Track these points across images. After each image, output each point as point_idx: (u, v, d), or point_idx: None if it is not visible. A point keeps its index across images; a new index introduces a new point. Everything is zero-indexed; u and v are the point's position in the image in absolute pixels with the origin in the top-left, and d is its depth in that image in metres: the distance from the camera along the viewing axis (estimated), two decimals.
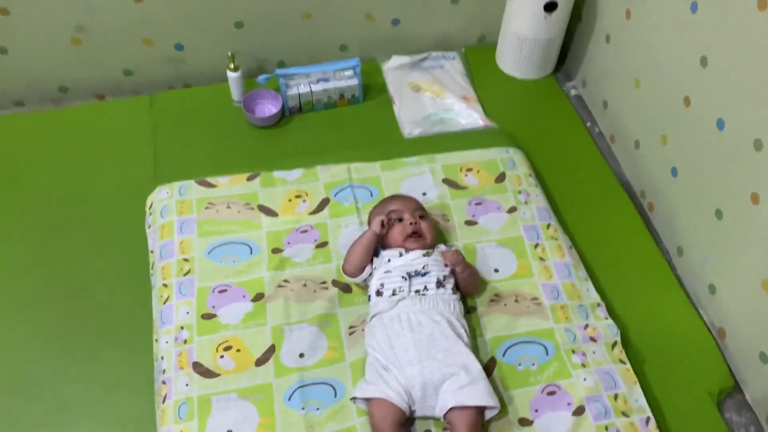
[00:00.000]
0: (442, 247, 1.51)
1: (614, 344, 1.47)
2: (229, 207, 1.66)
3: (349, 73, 2.01)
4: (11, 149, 1.92)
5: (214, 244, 1.59)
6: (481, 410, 1.28)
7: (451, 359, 1.30)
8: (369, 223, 1.59)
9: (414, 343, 1.31)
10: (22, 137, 1.95)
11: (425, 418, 1.33)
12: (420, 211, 1.53)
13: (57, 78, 2.05)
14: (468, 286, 1.49)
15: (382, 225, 1.47)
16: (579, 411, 1.34)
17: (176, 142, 1.94)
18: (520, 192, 1.72)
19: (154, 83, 2.12)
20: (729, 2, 1.44)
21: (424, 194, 1.70)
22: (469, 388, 1.27)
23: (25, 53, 1.97)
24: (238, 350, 1.42)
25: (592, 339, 1.47)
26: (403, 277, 1.41)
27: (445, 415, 1.28)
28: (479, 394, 1.26)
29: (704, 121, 1.58)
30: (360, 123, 2.02)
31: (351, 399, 1.33)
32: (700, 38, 1.56)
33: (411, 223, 1.48)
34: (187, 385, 1.37)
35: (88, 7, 1.89)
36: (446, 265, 1.44)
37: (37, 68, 2.01)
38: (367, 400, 1.30)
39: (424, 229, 1.50)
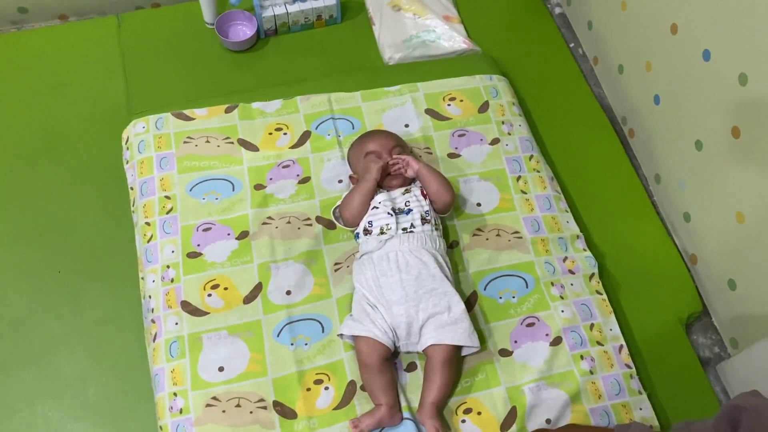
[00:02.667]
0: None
1: (591, 276, 1.52)
2: (208, 141, 1.62)
3: None
4: None
5: (195, 180, 1.57)
6: (458, 347, 1.34)
7: (437, 300, 1.34)
8: (349, 162, 1.58)
9: (401, 284, 1.34)
10: None
11: (409, 353, 1.38)
12: (398, 149, 1.52)
13: None
14: (437, 189, 1.45)
15: (382, 171, 1.46)
16: (556, 341, 1.41)
17: (147, 67, 1.87)
18: (503, 122, 1.70)
19: (120, 2, 2.00)
20: None
21: (407, 126, 1.68)
22: (450, 328, 1.32)
23: None
24: (226, 288, 1.44)
25: (571, 271, 1.51)
26: (389, 213, 1.42)
27: (424, 350, 1.33)
28: (459, 334, 1.31)
29: (690, 51, 1.56)
30: (339, 46, 1.96)
31: (338, 335, 1.37)
32: None
33: (389, 164, 1.48)
34: (176, 323, 1.40)
35: None
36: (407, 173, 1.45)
37: None
38: (354, 337, 1.34)
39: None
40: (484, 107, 1.73)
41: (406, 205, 1.43)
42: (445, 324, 1.32)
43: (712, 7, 1.46)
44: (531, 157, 1.66)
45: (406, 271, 1.35)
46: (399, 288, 1.34)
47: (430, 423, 1.27)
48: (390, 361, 1.35)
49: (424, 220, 1.42)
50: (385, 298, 1.34)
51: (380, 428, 1.29)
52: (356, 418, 1.28)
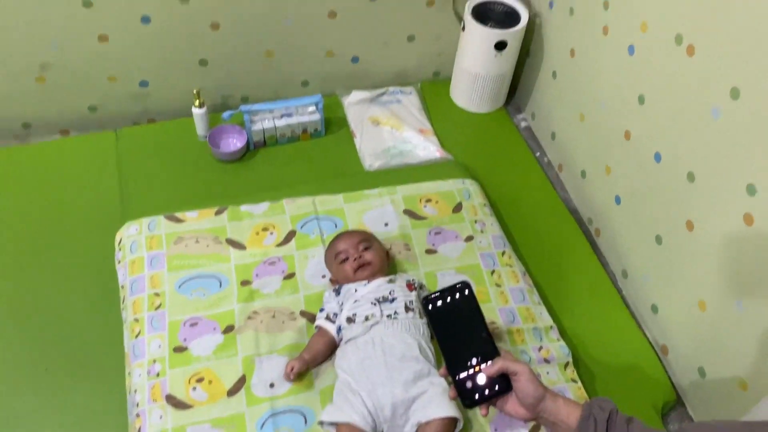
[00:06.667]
0: (406, 276, 1.60)
1: (566, 365, 1.58)
2: (197, 241, 1.71)
3: (312, 108, 2.10)
4: None
5: (184, 278, 1.63)
6: (449, 422, 1.35)
7: (421, 381, 1.38)
8: (326, 265, 1.66)
9: (386, 365, 1.39)
10: None
11: None
12: (364, 243, 1.61)
13: (20, 115, 2.07)
14: None
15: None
16: (535, 429, 1.44)
17: (142, 177, 1.98)
18: (476, 221, 1.82)
19: (119, 118, 2.16)
20: (662, 47, 1.58)
21: (386, 225, 1.79)
22: (435, 403, 1.35)
23: None
24: (210, 381, 1.47)
25: (546, 360, 1.57)
26: (372, 303, 1.49)
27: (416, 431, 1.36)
28: (443, 407, 1.34)
29: (643, 154, 1.71)
30: (323, 156, 2.10)
31: (318, 423, 1.40)
32: (637, 78, 1.70)
33: (354, 259, 1.57)
34: (161, 417, 1.41)
35: (54, 46, 1.92)
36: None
37: (0, 105, 2.03)
38: (335, 424, 1.36)
39: (369, 258, 1.58)
40: (458, 208, 1.85)
41: (390, 294, 1.51)
42: (431, 400, 1.35)
43: (659, 114, 1.63)
44: (503, 252, 1.77)
45: (391, 353, 1.40)
46: (383, 369, 1.38)
47: None
48: None
49: (408, 309, 1.49)
50: (369, 380, 1.38)
51: None
52: None
